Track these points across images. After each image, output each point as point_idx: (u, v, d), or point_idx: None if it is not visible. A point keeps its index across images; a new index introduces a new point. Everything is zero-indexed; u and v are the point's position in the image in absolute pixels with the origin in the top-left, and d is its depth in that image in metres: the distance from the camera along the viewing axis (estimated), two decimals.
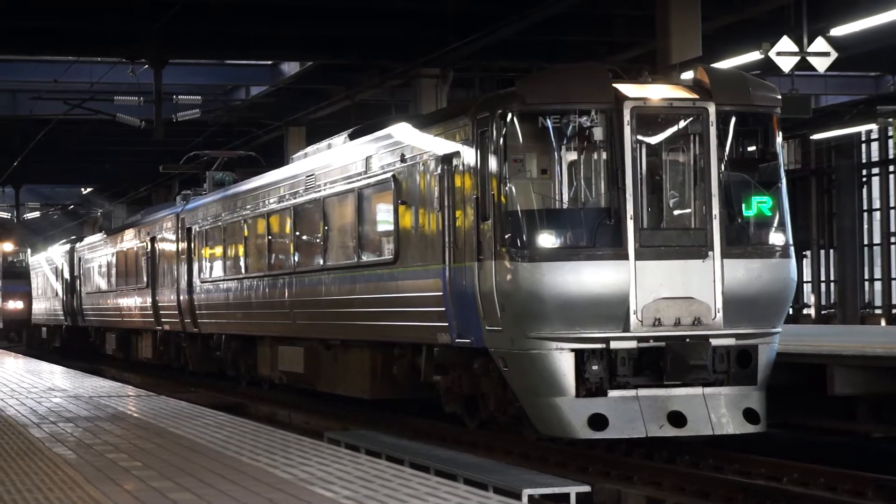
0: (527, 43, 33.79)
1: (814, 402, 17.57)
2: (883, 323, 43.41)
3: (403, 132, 19.11)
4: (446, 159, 17.33)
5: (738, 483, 14.44)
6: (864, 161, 45.81)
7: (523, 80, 16.61)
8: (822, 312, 46.61)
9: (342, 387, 22.25)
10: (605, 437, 15.47)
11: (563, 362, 15.45)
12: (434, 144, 17.80)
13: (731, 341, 15.82)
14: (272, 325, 25.39)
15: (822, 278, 47.10)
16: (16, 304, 64.74)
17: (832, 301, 46.60)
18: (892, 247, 44.47)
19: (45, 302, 58.23)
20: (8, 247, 66.43)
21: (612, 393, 15.48)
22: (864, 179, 45.70)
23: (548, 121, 15.81)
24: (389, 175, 19.39)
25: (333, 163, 22.18)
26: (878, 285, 45.27)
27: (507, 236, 15.75)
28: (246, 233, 27.21)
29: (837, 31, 25.64)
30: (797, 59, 24.91)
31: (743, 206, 16.19)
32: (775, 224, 16.29)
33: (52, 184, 74.79)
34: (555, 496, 13.40)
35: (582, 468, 16.15)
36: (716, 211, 15.83)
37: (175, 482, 9.53)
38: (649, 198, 15.74)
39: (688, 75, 18.74)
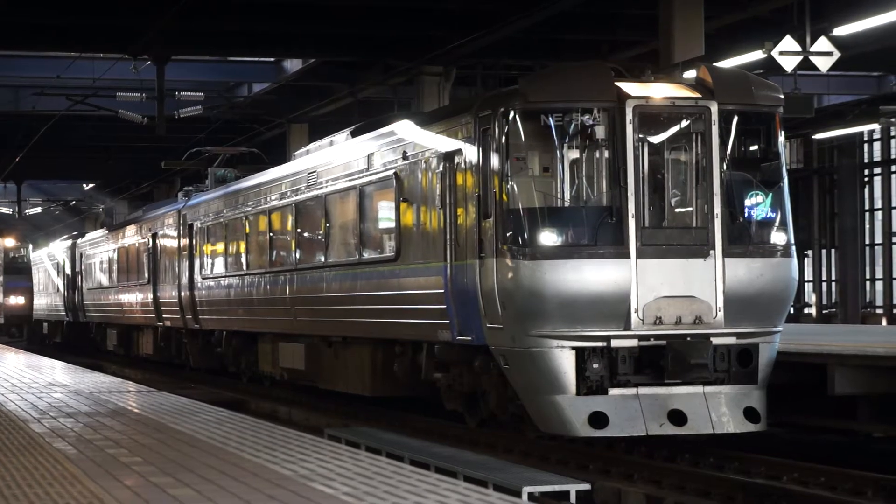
0: (530, 41, 33.75)
1: (814, 401, 17.56)
2: (884, 322, 43.38)
3: (405, 130, 19.10)
4: (448, 157, 17.33)
5: (738, 482, 14.45)
6: (865, 161, 45.80)
7: (526, 78, 16.61)
8: (823, 312, 46.59)
9: (343, 384, 22.26)
10: (605, 435, 15.47)
11: (564, 360, 15.45)
12: (436, 142, 17.79)
13: (731, 340, 15.82)
14: (273, 321, 25.39)
15: (824, 278, 47.08)
16: (17, 300, 64.74)
17: (833, 300, 46.58)
18: (894, 247, 44.45)
19: (46, 297, 58.22)
20: (9, 242, 66.43)
21: (613, 391, 15.47)
22: (866, 179, 45.69)
23: (550, 119, 15.81)
24: (391, 172, 19.39)
25: (335, 160, 22.18)
26: (879, 285, 45.25)
27: (508, 234, 15.75)
28: (247, 229, 27.21)
29: (840, 30, 25.63)
30: (800, 58, 24.91)
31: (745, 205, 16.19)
32: (777, 223, 16.30)
33: (54, 179, 74.76)
34: (555, 494, 13.41)
35: (582, 466, 16.16)
36: (717, 210, 15.83)
37: (175, 478, 9.54)
38: (651, 196, 15.74)
39: (690, 74, 18.70)
